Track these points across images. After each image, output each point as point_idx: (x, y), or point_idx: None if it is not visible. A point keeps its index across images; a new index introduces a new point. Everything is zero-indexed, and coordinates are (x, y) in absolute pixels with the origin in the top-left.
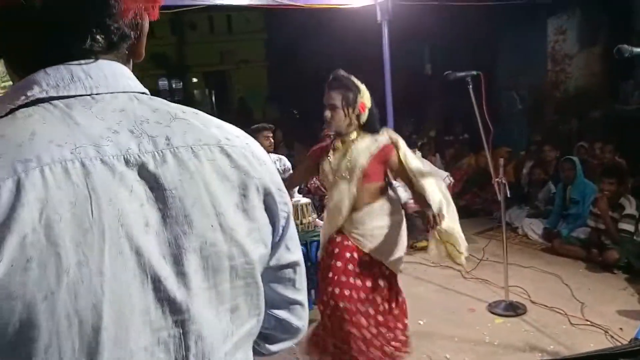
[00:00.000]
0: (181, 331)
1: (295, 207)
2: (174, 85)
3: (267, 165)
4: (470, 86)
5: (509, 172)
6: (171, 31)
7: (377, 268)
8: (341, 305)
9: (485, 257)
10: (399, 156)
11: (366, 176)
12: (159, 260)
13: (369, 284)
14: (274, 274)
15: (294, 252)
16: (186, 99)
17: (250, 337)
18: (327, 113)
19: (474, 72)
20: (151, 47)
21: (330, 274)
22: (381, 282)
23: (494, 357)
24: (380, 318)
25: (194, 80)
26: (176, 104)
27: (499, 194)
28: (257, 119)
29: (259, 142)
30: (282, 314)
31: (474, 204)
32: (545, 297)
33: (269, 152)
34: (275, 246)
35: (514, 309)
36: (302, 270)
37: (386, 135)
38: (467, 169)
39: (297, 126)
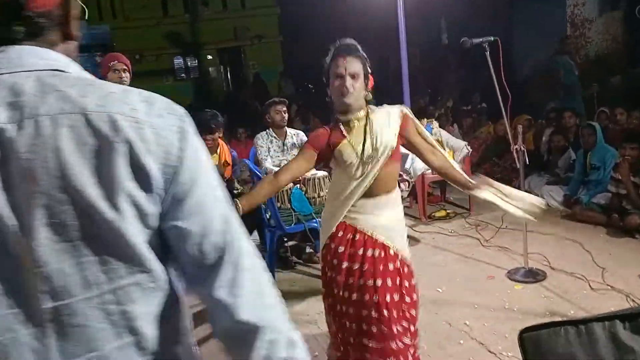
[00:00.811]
0: (29, 273)
1: (312, 180)
2: (189, 64)
3: (162, 134)
4: (488, 52)
5: (528, 139)
6: (184, 9)
7: (393, 262)
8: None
9: (505, 226)
10: (415, 127)
11: (391, 155)
12: (7, 213)
13: (389, 282)
14: (179, 241)
15: (187, 219)
16: (202, 77)
17: (144, 292)
18: (349, 82)
19: (491, 38)
20: (166, 26)
21: (344, 279)
22: (404, 281)
23: (514, 322)
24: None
25: (209, 57)
26: (82, 80)
27: (518, 161)
28: (273, 94)
29: (271, 116)
30: (202, 289)
31: (493, 173)
32: (566, 263)
33: (280, 126)
34: (168, 211)
35: (533, 276)
36: (208, 240)
37: (395, 107)
38: (486, 138)
39: (313, 100)
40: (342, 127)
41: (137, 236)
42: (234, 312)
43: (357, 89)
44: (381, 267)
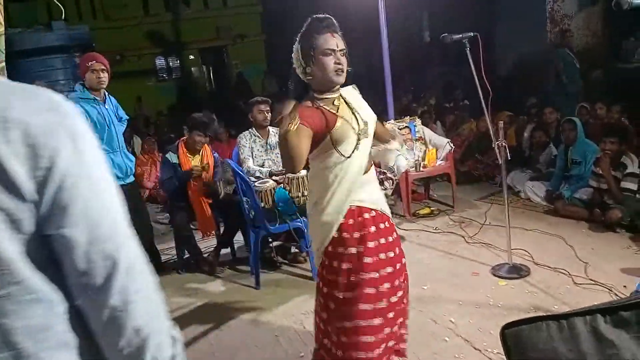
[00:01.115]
0: None
1: (296, 179)
2: (171, 64)
3: (33, 134)
4: (468, 48)
5: (510, 135)
6: (165, 8)
7: (395, 230)
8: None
9: (488, 222)
10: None
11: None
12: None
13: (396, 251)
14: (66, 249)
15: (71, 227)
16: (184, 77)
17: (20, 304)
18: (343, 59)
19: (471, 34)
20: (146, 25)
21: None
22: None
23: (498, 318)
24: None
25: (191, 57)
26: None
27: (500, 157)
28: (256, 93)
29: (254, 115)
30: (93, 298)
31: (475, 169)
32: (549, 258)
33: (263, 126)
34: (50, 217)
35: (517, 271)
36: (97, 248)
37: (349, 86)
38: (468, 135)
39: (296, 99)
40: (326, 107)
41: (6, 244)
42: (127, 319)
43: (345, 68)
44: (394, 237)
